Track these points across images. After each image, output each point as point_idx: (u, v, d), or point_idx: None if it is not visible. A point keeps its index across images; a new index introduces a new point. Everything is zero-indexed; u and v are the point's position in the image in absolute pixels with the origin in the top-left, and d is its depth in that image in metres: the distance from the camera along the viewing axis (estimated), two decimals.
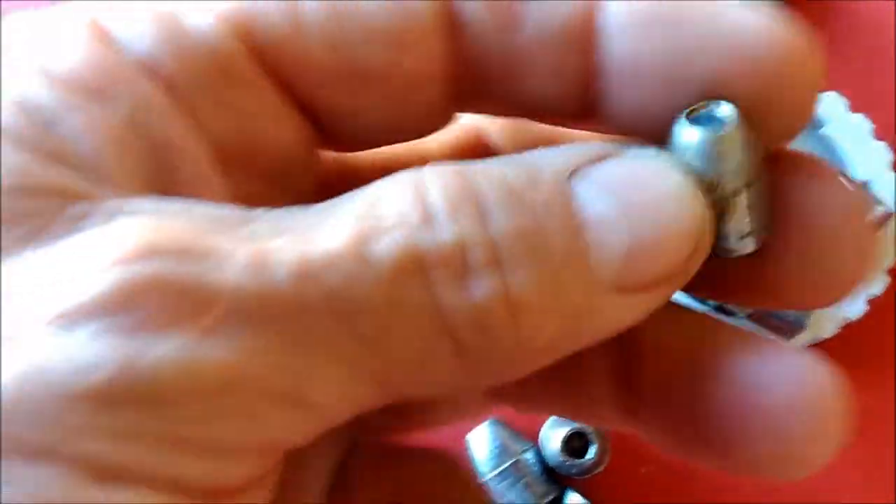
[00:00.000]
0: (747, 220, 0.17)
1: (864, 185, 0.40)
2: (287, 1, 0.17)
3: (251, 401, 0.14)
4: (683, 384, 0.18)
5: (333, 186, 0.17)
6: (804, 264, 0.18)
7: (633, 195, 0.16)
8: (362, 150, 0.20)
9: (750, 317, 0.40)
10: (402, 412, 0.22)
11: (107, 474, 0.14)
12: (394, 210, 0.15)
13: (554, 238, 0.15)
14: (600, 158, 0.16)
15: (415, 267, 0.15)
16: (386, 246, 0.15)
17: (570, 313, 0.16)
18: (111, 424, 0.14)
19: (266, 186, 0.18)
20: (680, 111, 0.17)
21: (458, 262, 0.15)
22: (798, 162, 0.18)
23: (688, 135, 0.17)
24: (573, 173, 0.16)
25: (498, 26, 0.17)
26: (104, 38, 0.16)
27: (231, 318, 0.14)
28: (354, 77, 0.17)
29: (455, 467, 0.22)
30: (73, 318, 0.14)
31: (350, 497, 0.20)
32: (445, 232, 0.15)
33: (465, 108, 0.19)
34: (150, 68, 0.16)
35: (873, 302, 0.40)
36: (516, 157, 0.16)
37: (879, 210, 0.39)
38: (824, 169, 0.18)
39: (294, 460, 0.18)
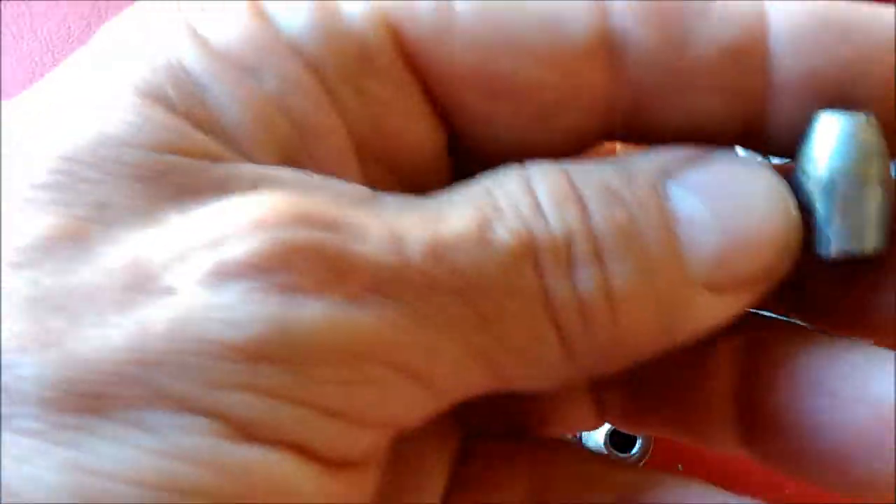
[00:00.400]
0: (873, 216, 0.17)
1: None
2: (441, 1, 0.17)
3: (383, 371, 0.15)
4: (809, 404, 0.18)
5: None
6: None
7: (724, 195, 0.16)
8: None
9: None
10: (513, 423, 0.21)
11: (246, 432, 0.14)
12: (508, 200, 0.16)
13: (649, 234, 0.16)
14: (691, 161, 0.17)
15: (529, 253, 0.15)
16: (504, 231, 0.15)
17: (665, 307, 0.16)
18: (256, 381, 0.14)
19: (396, 184, 0.17)
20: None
21: (565, 252, 0.16)
22: None
23: (827, 123, 0.17)
24: (666, 175, 0.17)
25: (662, 46, 0.17)
26: (261, 15, 0.16)
27: (371, 289, 0.15)
28: (498, 88, 0.17)
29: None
30: (225, 275, 0.14)
31: (475, 496, 0.20)
32: (554, 223, 0.16)
33: (615, 134, 0.18)
34: (300, 49, 0.16)
35: None
36: (610, 159, 0.17)
37: None
38: None
39: (407, 461, 0.18)
